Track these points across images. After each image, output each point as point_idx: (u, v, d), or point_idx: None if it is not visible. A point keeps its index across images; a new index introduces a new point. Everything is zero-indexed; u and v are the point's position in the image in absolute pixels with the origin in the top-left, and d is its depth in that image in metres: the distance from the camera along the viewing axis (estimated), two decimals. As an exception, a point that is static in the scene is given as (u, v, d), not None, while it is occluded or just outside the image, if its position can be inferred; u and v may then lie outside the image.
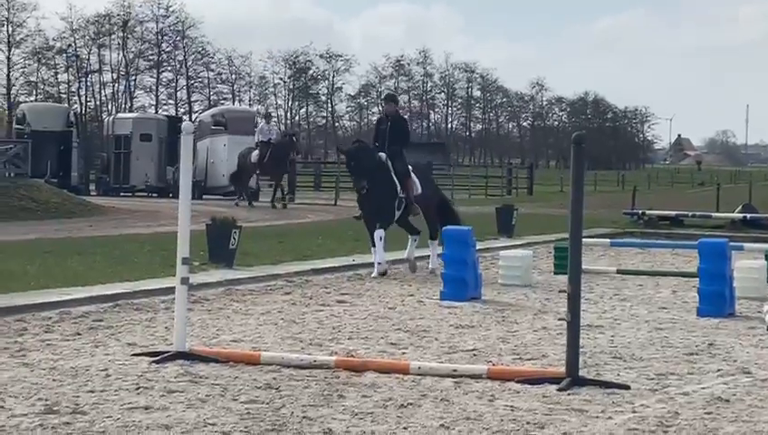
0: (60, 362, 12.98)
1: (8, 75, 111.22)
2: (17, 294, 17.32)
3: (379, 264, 22.11)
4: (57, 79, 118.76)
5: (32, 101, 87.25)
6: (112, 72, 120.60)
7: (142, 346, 13.97)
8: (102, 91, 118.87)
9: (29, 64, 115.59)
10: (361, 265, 24.22)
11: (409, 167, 22.74)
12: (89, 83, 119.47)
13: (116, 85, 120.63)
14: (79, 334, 14.98)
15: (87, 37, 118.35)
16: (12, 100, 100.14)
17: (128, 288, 18.54)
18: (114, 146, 57.96)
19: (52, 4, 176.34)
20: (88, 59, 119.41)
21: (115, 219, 37.13)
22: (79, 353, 13.58)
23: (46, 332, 15.10)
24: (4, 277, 18.93)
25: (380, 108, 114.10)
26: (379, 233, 21.89)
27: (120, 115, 68.36)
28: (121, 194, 53.47)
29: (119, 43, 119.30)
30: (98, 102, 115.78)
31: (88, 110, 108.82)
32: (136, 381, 12.00)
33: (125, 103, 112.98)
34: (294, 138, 48.19)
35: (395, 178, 21.98)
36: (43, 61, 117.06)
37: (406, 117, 29.38)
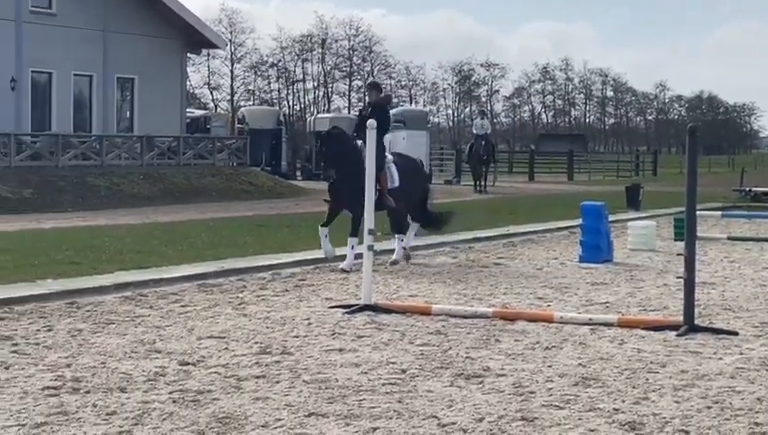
0: (272, 313, 13.17)
1: (231, 85, 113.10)
2: (239, 259, 17.60)
3: (346, 271, 17.08)
4: (270, 87, 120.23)
5: (250, 106, 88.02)
6: (313, 81, 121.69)
7: (337, 300, 14.09)
8: (305, 97, 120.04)
9: (248, 76, 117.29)
10: (514, 235, 24.11)
11: (390, 157, 18.42)
12: (295, 90, 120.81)
13: (316, 91, 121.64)
14: (287, 291, 15.17)
15: (293, 53, 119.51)
16: (234, 104, 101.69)
17: (320, 255, 18.66)
18: (315, 140, 58.40)
19: (265, 28, 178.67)
20: (294, 71, 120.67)
21: (316, 199, 37.39)
22: (287, 306, 13.76)
23: (261, 289, 15.31)
24: (229, 246, 19.27)
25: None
26: (351, 241, 17.40)
27: (319, 115, 68.60)
28: (321, 177, 53.75)
29: (318, 58, 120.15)
30: (302, 105, 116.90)
31: (294, 111, 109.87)
32: (332, 328, 12.13)
33: (323, 106, 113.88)
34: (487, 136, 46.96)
35: None
36: (259, 73, 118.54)
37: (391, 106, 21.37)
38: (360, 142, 17.39)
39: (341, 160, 17.53)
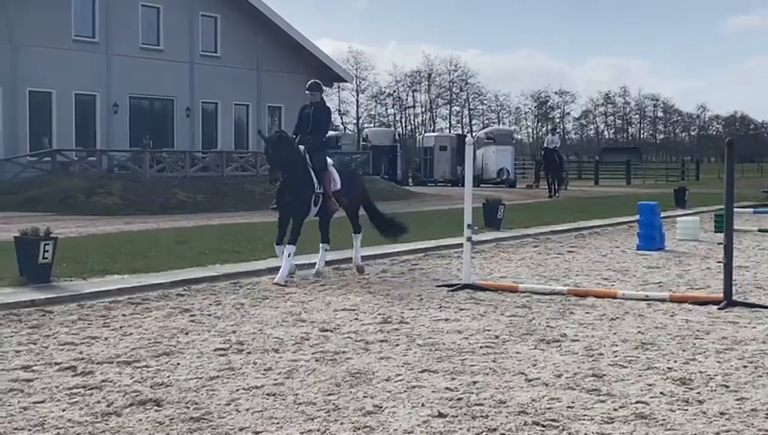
0: (392, 290, 13.21)
1: (357, 111, 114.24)
2: (364, 248, 17.64)
3: (288, 276, 13.88)
4: (386, 112, 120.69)
5: (371, 127, 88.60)
6: (421, 107, 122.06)
7: (443, 280, 14.08)
8: (414, 120, 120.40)
9: (369, 104, 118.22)
10: (583, 228, 23.91)
11: (329, 160, 14.82)
12: (406, 115, 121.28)
13: (423, 115, 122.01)
14: (403, 273, 15.22)
15: (405, 85, 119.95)
16: (359, 126, 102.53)
17: (432, 244, 18.67)
18: (423, 154, 58.59)
19: (383, 65, 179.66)
20: (405, 99, 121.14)
21: (424, 201, 37.47)
22: (403, 285, 13.81)
23: (382, 271, 15.38)
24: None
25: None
26: (289, 249, 13.79)
27: (426, 134, 68.76)
28: (428, 184, 53.87)
29: (425, 89, 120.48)
30: (412, 127, 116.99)
31: (406, 131, 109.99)
32: (439, 302, 12.14)
33: (429, 127, 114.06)
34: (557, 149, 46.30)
35: (312, 172, 14.19)
36: (378, 101, 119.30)
37: (329, 106, 16.46)
38: (302, 147, 14.26)
39: (287, 164, 13.95)
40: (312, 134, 14.48)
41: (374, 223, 15.61)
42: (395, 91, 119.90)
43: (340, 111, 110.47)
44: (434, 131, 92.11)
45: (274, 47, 41.81)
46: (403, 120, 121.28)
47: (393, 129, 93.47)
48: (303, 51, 43.12)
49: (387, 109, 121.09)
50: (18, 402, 7.18)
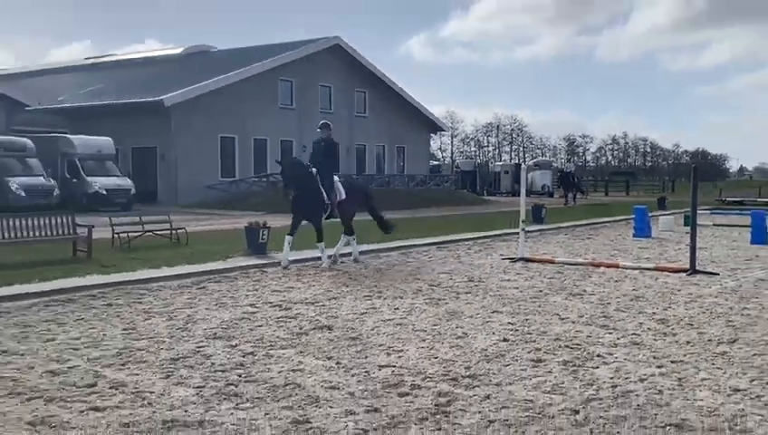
0: (474, 261, 13.10)
1: (451, 149, 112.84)
2: (455, 234, 17.52)
3: (285, 267, 11.63)
4: (470, 150, 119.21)
5: (461, 159, 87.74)
6: (492, 147, 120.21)
7: (506, 255, 13.92)
8: (488, 154, 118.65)
9: (459, 145, 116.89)
10: (597, 223, 23.30)
11: (336, 179, 12.56)
12: (483, 151, 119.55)
13: (493, 151, 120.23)
14: (480, 250, 15.05)
15: (482, 132, 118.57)
16: (453, 158, 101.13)
17: (499, 232, 18.42)
18: (493, 176, 57.86)
19: (469, 119, 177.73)
20: (481, 141, 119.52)
21: (494, 206, 36.97)
22: (480, 257, 13.68)
23: (468, 249, 15.21)
24: (447, 228, 19.24)
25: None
26: (320, 245, 12.05)
27: (496, 163, 68.22)
28: (496, 195, 53.12)
29: (495, 134, 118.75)
30: (486, 159, 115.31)
31: (482, 161, 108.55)
32: (503, 269, 11.97)
33: (498, 158, 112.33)
34: (572, 172, 45.00)
35: (322, 189, 12.09)
36: (465, 143, 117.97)
37: (336, 141, 13.20)
38: (314, 170, 12.17)
39: (299, 182, 11.90)
40: (323, 161, 12.29)
41: (375, 221, 13.18)
42: (475, 136, 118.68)
43: (440, 148, 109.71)
44: (500, 161, 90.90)
45: (400, 109, 41.86)
46: (480, 154, 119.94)
47: (474, 159, 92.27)
48: (419, 112, 43.15)
49: (470, 147, 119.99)
50: (247, 326, 7.41)
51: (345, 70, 38.27)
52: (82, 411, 4.69)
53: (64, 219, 12.41)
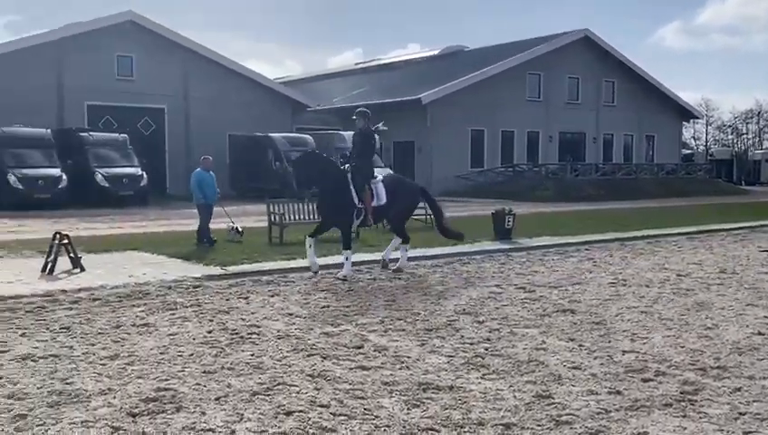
0: (727, 252, 11.99)
1: (705, 138, 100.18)
2: (704, 226, 15.99)
3: (315, 272, 9.29)
4: (727, 138, 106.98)
5: (716, 147, 79.41)
6: (752, 134, 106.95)
7: (764, 247, 12.50)
8: (748, 142, 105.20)
9: (716, 133, 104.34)
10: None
11: (378, 177, 9.80)
12: (742, 139, 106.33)
13: (753, 139, 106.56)
14: (735, 241, 13.65)
15: (741, 119, 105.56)
16: (707, 147, 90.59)
17: (755, 223, 16.52)
18: (752, 165, 51.78)
19: (726, 106, 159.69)
20: (741, 128, 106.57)
21: (753, 196, 33.10)
22: (735, 249, 12.46)
23: (721, 241, 13.91)
24: (680, 220, 17.66)
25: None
26: (346, 253, 9.20)
27: (756, 151, 61.02)
28: (756, 185, 47.13)
29: (755, 121, 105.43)
30: (745, 147, 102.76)
31: (739, 149, 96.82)
32: (761, 261, 10.81)
33: (759, 147, 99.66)
34: None
35: (353, 189, 9.36)
36: (721, 131, 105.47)
37: (372, 131, 9.61)
38: (347, 166, 9.65)
39: (317, 181, 9.51)
40: (356, 158, 9.71)
41: (437, 226, 10.42)
42: (733, 124, 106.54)
43: (694, 138, 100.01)
44: (761, 149, 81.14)
45: (650, 97, 39.17)
46: (738, 142, 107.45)
47: (731, 148, 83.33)
48: (670, 99, 40.11)
49: (727, 135, 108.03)
50: (493, 304, 7.58)
51: (593, 60, 36.89)
52: (351, 368, 5.17)
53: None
